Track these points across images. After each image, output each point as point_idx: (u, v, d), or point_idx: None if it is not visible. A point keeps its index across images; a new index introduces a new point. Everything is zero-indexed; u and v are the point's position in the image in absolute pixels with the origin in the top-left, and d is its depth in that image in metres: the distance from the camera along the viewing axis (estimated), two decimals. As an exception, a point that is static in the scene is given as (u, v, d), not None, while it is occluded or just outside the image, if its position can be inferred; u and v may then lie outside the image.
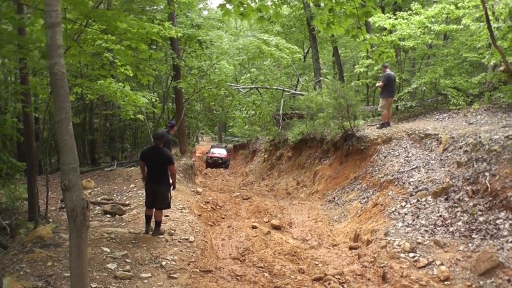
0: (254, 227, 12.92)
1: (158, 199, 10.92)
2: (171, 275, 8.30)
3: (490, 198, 9.95)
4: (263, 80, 29.51)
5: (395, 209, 11.73)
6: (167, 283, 7.94)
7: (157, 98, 21.77)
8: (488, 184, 10.21)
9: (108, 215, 12.95)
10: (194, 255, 9.79)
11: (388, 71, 18.51)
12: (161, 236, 10.71)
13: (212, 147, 43.83)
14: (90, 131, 27.83)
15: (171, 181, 11.14)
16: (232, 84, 30.15)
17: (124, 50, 10.26)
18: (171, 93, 26.51)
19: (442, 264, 8.76)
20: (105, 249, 9.39)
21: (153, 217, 11.04)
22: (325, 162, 19.56)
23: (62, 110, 5.39)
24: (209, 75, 23.25)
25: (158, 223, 10.98)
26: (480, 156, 11.33)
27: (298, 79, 31.76)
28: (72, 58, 10.35)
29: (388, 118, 18.49)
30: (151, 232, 10.87)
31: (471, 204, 10.24)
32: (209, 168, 37.31)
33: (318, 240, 12.43)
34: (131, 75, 11.97)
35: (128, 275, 8.02)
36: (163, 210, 11.19)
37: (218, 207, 16.10)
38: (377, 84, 19.14)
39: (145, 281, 7.95)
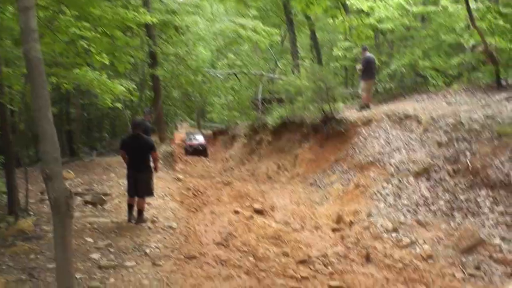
0: (236, 212, 12.88)
1: (140, 187, 10.81)
2: (156, 262, 8.25)
3: (471, 177, 10.04)
4: (241, 65, 29.38)
5: (377, 190, 11.80)
6: (152, 270, 7.89)
7: (134, 86, 21.56)
8: (469, 163, 10.30)
9: (89, 206, 12.80)
10: (177, 242, 9.75)
11: (367, 54, 18.58)
12: (144, 224, 10.65)
13: (189, 134, 41.29)
14: (68, 122, 27.61)
15: (153, 166, 11.10)
16: (210, 70, 29.98)
17: (99, 38, 10.10)
18: (148, 80, 26.34)
19: (424, 242, 8.86)
20: (88, 239, 9.31)
21: (135, 205, 10.94)
22: (305, 145, 19.52)
23: (40, 98, 5.24)
24: (186, 61, 23.10)
25: (140, 212, 10.90)
26: (460, 136, 11.43)
27: (276, 63, 31.70)
28: (46, 47, 10.17)
29: (368, 101, 18.56)
30: (134, 221, 10.79)
31: (452, 183, 10.33)
32: (188, 156, 36.11)
33: (300, 223, 12.42)
34: (107, 63, 11.84)
35: (113, 264, 7.97)
36: (145, 198, 11.08)
37: (199, 193, 16.03)
38: (357, 68, 19.12)
39: (130, 269, 7.88)
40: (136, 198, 10.89)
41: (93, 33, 10.15)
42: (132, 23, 10.71)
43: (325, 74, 17.28)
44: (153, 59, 22.33)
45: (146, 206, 11.49)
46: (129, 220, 10.85)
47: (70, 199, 5.34)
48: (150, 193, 11.15)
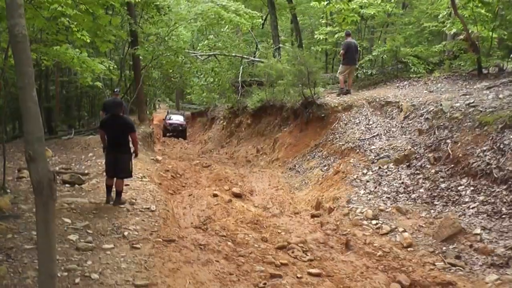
0: (215, 196, 12.82)
1: (119, 168, 10.61)
2: (134, 245, 8.11)
3: (452, 165, 10.06)
4: (221, 47, 29.15)
5: (357, 177, 11.78)
6: (130, 253, 7.76)
7: (115, 66, 21.28)
8: (450, 151, 10.32)
9: (67, 185, 12.62)
10: (156, 224, 9.62)
11: (349, 39, 18.55)
12: (122, 206, 10.49)
13: (169, 113, 42.17)
14: (46, 99, 27.21)
15: (132, 149, 10.94)
16: (191, 51, 29.71)
17: (81, 15, 9.88)
18: (128, 60, 26.05)
19: (404, 231, 8.84)
20: (66, 219, 9.12)
21: (113, 186, 10.81)
22: (285, 129, 19.49)
23: (25, 76, 5.04)
24: (167, 42, 22.86)
25: (119, 193, 10.70)
26: (441, 124, 11.45)
27: (257, 46, 31.53)
28: (27, 22, 9.96)
29: (349, 86, 18.61)
30: (112, 202, 10.66)
31: (433, 171, 10.36)
32: (167, 137, 36.04)
33: (279, 208, 12.43)
34: (88, 41, 11.64)
35: (90, 247, 7.80)
36: (124, 179, 10.95)
37: (178, 175, 15.96)
38: (340, 53, 19.05)
39: (108, 252, 7.74)
40: (115, 179, 10.75)
41: (75, 11, 9.91)
42: (115, 1, 10.50)
43: (306, 58, 17.17)
44: (133, 39, 22.05)
45: (124, 187, 11.36)
46: (108, 202, 10.68)
47: (54, 182, 5.09)
48: (129, 174, 10.97)
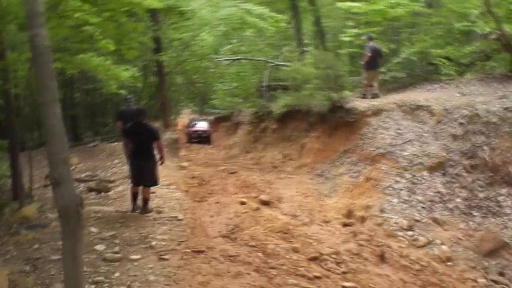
0: (242, 203, 12.55)
1: (144, 176, 10.46)
2: (162, 256, 7.89)
3: (491, 174, 9.69)
4: (245, 51, 28.93)
5: (390, 185, 11.43)
6: (158, 265, 7.53)
7: (139, 72, 21.15)
8: (488, 159, 9.94)
9: (93, 193, 12.60)
10: (184, 234, 9.41)
11: (372, 43, 18.40)
12: (149, 215, 10.31)
13: (193, 120, 40.76)
14: (71, 106, 27.20)
15: (158, 156, 10.72)
16: (214, 56, 29.55)
17: (105, 23, 9.65)
18: (152, 66, 25.90)
19: (442, 243, 8.49)
20: (93, 229, 9.01)
21: (139, 194, 10.58)
22: (312, 134, 19.16)
23: (47, 91, 4.71)
24: (191, 47, 22.67)
25: (145, 201, 10.56)
26: (477, 129, 11.05)
27: (281, 50, 31.23)
28: (51, 32, 9.76)
29: (377, 90, 18.34)
30: (139, 211, 10.44)
31: (469, 179, 9.97)
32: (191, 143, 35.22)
33: (309, 216, 12.10)
34: (113, 49, 11.45)
35: (117, 257, 7.64)
36: (151, 187, 10.72)
37: (204, 182, 15.72)
38: (364, 58, 18.72)
39: (135, 263, 7.54)
40: (141, 187, 10.54)
41: (100, 19, 9.69)
42: (141, 8, 10.26)
43: (333, 62, 16.86)
44: (157, 45, 21.89)
45: (150, 195, 11.18)
46: (133, 210, 10.53)
47: (81, 207, 4.85)
48: (155, 182, 10.80)
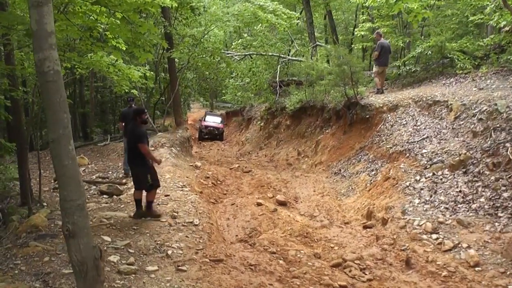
0: (259, 204, 12.34)
1: (139, 180, 10.23)
2: (180, 267, 7.64)
3: (514, 172, 9.33)
4: (257, 45, 28.63)
5: (410, 184, 11.12)
6: (176, 277, 7.28)
7: (150, 70, 20.94)
8: (511, 156, 9.57)
9: (104, 196, 12.35)
10: (201, 241, 9.15)
11: (383, 39, 18.51)
12: (163, 220, 10.04)
13: (207, 114, 39.65)
14: (81, 104, 27.09)
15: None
16: (226, 52, 29.30)
17: (119, 24, 9.31)
18: (163, 63, 25.69)
19: (469, 247, 8.15)
20: (106, 238, 8.70)
21: (143, 199, 10.33)
22: (327, 131, 18.92)
23: (59, 124, 4.13)
24: (203, 43, 22.42)
25: (147, 203, 10.29)
26: (498, 125, 10.70)
27: (292, 44, 30.99)
28: (60, 33, 9.50)
29: (381, 86, 18.46)
30: (137, 217, 10.17)
31: (492, 178, 9.63)
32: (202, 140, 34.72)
33: (327, 216, 11.88)
34: (124, 49, 11.17)
35: (133, 269, 7.32)
36: (154, 189, 10.33)
37: (219, 182, 15.50)
38: (374, 54, 18.60)
39: (152, 275, 7.28)
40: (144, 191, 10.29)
41: (112, 19, 9.34)
42: (156, 6, 9.94)
43: (349, 57, 16.59)
44: (168, 41, 21.65)
45: (164, 198, 11.24)
46: (134, 216, 10.19)
47: (100, 261, 4.38)
48: (151, 185, 10.27)
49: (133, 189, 10.65)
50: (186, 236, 9.28)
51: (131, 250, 8.24)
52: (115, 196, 12.25)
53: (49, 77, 4.06)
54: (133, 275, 7.20)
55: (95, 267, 4.26)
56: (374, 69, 18.79)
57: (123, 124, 14.25)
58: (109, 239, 8.67)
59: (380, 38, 18.50)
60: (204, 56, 22.97)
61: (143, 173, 10.05)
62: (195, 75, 31.79)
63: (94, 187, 13.23)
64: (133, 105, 14.65)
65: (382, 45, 18.10)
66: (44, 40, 4.01)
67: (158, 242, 8.75)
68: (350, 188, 13.71)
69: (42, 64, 4.01)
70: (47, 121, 4.28)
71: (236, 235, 10.57)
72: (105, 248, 8.21)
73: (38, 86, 11.19)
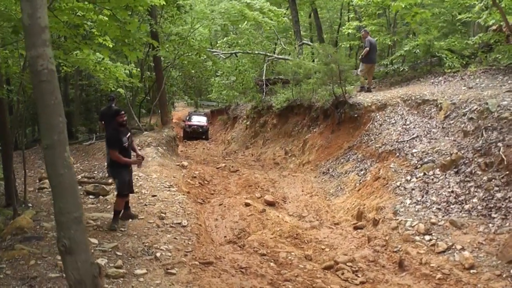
0: (247, 205, 12.21)
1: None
2: (169, 270, 7.45)
3: (507, 172, 9.22)
4: (243, 44, 28.46)
5: (400, 184, 11.01)
6: (165, 280, 7.09)
7: (134, 68, 20.69)
8: (503, 156, 9.47)
9: (90, 196, 12.11)
10: (190, 243, 8.99)
11: (369, 37, 18.52)
12: (151, 221, 9.87)
13: (190, 114, 39.51)
14: (66, 103, 26.76)
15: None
16: (212, 50, 29.14)
17: (107, 21, 9.08)
18: (148, 61, 25.47)
19: (463, 248, 8.01)
20: (93, 240, 8.48)
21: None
22: (314, 130, 18.78)
23: (53, 129, 3.83)
24: (189, 41, 22.22)
25: (113, 212, 9.73)
26: (489, 125, 10.60)
27: (277, 43, 30.90)
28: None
29: (369, 84, 18.57)
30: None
31: (485, 178, 9.51)
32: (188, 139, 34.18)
33: (316, 217, 11.75)
34: (111, 46, 10.96)
35: (121, 273, 7.13)
36: (120, 196, 9.71)
37: (206, 182, 15.36)
38: (363, 52, 18.53)
39: (141, 279, 7.09)
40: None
41: (101, 17, 9.09)
42: (143, 5, 9.70)
43: (338, 56, 16.45)
44: (154, 39, 21.44)
45: (151, 198, 11.35)
46: (120, 217, 9.75)
47: (99, 278, 4.05)
48: (119, 190, 9.73)
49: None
50: (175, 238, 9.13)
51: (118, 253, 8.06)
52: (101, 197, 12.02)
53: (43, 77, 3.76)
54: (122, 279, 7.01)
55: (94, 285, 3.95)
56: (361, 67, 18.79)
57: (103, 123, 14.09)
58: (96, 241, 8.48)
59: (367, 36, 18.51)
60: (190, 54, 22.78)
61: (116, 174, 9.69)
62: (180, 74, 31.58)
63: (80, 187, 12.99)
64: (113, 105, 14.28)
65: (370, 42, 18.13)
66: (37, 35, 3.74)
67: (146, 244, 8.59)
68: (339, 188, 13.58)
69: (35, 63, 3.72)
70: (40, 126, 3.98)
71: (225, 236, 10.41)
72: (92, 250, 7.99)
73: (24, 85, 11.05)
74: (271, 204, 12.90)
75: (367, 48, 17.97)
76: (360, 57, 19.71)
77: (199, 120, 36.63)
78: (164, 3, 12.12)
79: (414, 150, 11.94)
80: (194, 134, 34.74)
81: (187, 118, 37.59)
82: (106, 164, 14.72)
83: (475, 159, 10.10)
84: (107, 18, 8.87)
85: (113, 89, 15.03)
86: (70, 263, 3.86)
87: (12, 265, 7.33)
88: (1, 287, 6.55)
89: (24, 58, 10.14)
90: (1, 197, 11.60)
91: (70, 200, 3.85)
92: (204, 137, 35.13)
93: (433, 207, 9.56)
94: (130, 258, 7.92)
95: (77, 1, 8.70)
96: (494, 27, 16.69)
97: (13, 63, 12.07)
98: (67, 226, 3.83)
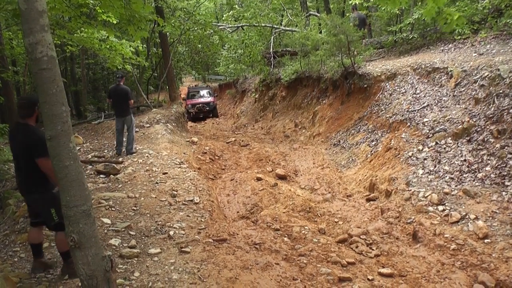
0: (259, 179, 12.18)
1: (35, 213, 6.66)
2: (183, 248, 7.40)
3: (520, 139, 9.10)
4: (249, 17, 28.20)
5: (412, 154, 10.91)
6: (179, 259, 7.04)
7: (140, 43, 20.57)
8: (516, 123, 9.35)
9: (101, 176, 12.02)
10: (202, 220, 8.95)
11: (356, 12, 19.43)
12: (163, 199, 9.83)
13: (190, 90, 34.60)
14: (73, 82, 26.74)
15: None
16: (219, 24, 28.91)
17: (110, 1, 8.95)
18: (154, 37, 25.33)
19: (477, 218, 7.93)
20: (105, 220, 8.48)
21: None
22: (324, 102, 18.66)
23: (56, 119, 3.60)
24: (195, 15, 22.04)
25: (61, 254, 6.47)
26: (501, 91, 10.43)
27: (287, 14, 30.62)
28: (49, 11, 9.15)
29: None
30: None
31: (498, 146, 9.39)
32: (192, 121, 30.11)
33: (328, 189, 11.71)
34: (115, 22, 10.87)
35: (135, 253, 7.08)
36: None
37: (216, 157, 15.31)
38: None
39: (155, 258, 7.05)
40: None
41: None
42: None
43: (346, 27, 16.24)
44: (159, 15, 21.27)
45: (162, 176, 11.33)
46: (32, 270, 6.61)
47: (112, 272, 3.91)
48: (55, 224, 6.22)
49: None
50: (187, 216, 9.09)
51: (132, 232, 8.04)
52: (112, 176, 11.94)
53: (43, 64, 3.53)
54: (136, 259, 6.98)
55: (106, 280, 3.83)
56: None
57: (112, 101, 14.03)
58: (109, 221, 8.46)
59: (355, 12, 19.28)
60: (196, 29, 22.63)
61: (42, 203, 6.25)
62: (187, 49, 31.36)
63: (90, 166, 12.95)
64: (121, 83, 14.01)
65: (358, 17, 18.48)
66: (35, 21, 3.46)
67: (159, 223, 8.56)
68: (351, 159, 13.51)
69: (34, 50, 3.49)
70: (43, 116, 3.77)
71: (238, 212, 10.40)
72: (105, 231, 8.01)
73: (30, 66, 10.98)
74: (282, 177, 12.87)
75: (351, 24, 17.87)
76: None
77: (202, 95, 32.80)
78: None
79: (425, 119, 11.81)
80: (201, 114, 31.06)
81: (188, 96, 33.41)
82: (115, 143, 14.64)
83: (487, 127, 9.98)
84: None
85: (119, 67, 14.92)
86: (80, 258, 3.77)
87: (26, 248, 7.33)
88: (16, 271, 6.54)
89: (26, 67, 10.08)
90: (11, 179, 11.55)
91: (77, 193, 3.69)
92: (212, 115, 31.49)
93: (446, 176, 9.47)
94: (143, 238, 7.89)
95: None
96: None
97: (17, 44, 12.02)
98: (75, 220, 3.71)
